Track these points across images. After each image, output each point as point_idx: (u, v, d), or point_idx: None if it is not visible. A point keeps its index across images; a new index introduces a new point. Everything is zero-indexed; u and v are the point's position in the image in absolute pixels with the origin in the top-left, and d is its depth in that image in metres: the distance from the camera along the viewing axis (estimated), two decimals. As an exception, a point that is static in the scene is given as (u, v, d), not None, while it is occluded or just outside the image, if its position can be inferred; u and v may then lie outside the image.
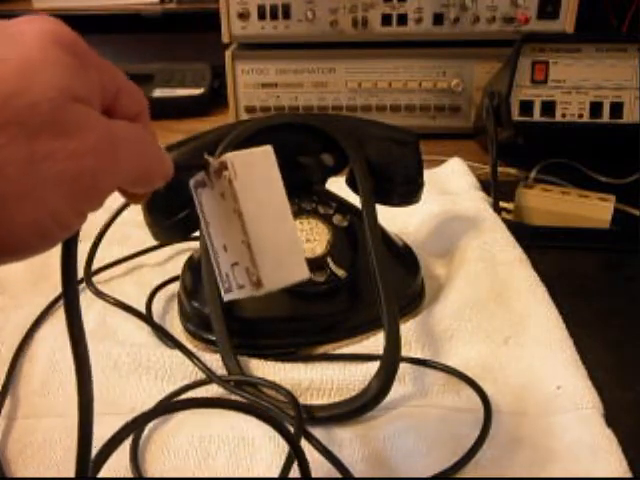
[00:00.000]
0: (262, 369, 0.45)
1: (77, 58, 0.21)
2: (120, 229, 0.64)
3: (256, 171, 0.27)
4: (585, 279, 0.58)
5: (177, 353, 0.47)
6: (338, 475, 0.37)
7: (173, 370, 0.45)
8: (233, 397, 0.43)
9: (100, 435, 0.39)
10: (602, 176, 0.78)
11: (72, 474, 0.38)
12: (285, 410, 0.40)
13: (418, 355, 0.47)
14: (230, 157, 0.27)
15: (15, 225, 0.19)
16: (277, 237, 0.27)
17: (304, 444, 0.39)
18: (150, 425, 0.41)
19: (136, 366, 0.46)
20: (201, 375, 0.45)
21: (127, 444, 0.39)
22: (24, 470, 0.38)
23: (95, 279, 0.57)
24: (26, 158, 0.19)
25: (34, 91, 0.19)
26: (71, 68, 0.20)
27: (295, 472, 0.38)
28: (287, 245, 0.28)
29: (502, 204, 0.70)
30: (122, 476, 0.38)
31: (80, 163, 0.20)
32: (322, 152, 0.53)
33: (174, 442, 0.39)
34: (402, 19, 0.89)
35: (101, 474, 0.38)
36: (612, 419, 0.40)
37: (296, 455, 0.33)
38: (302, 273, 0.28)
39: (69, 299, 0.25)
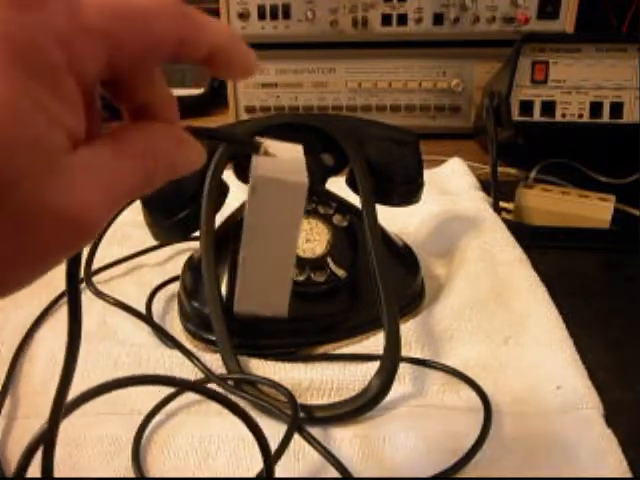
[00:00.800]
0: (262, 369, 0.45)
1: None
2: (120, 229, 0.64)
3: (280, 200, 0.25)
4: (585, 279, 0.58)
5: (177, 353, 0.47)
6: (338, 475, 0.37)
7: (173, 370, 0.45)
8: (232, 397, 0.43)
9: (100, 435, 0.40)
10: (602, 176, 0.78)
11: (72, 474, 0.38)
12: (283, 409, 0.40)
13: (418, 355, 0.47)
14: (260, 177, 0.24)
15: None
16: (270, 268, 0.26)
17: (304, 444, 0.39)
18: (150, 425, 0.41)
19: (136, 366, 0.46)
20: (201, 375, 0.45)
21: (128, 444, 0.39)
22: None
23: (95, 279, 0.57)
24: None
25: None
26: None
27: (295, 472, 0.38)
28: (277, 280, 0.26)
29: (502, 204, 0.70)
30: (122, 476, 0.38)
31: None
32: (322, 152, 0.53)
33: (174, 442, 0.40)
34: (402, 19, 0.89)
35: (101, 474, 0.38)
36: (612, 419, 0.40)
37: (263, 452, 0.32)
38: (280, 311, 0.27)
39: (72, 295, 0.24)
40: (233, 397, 0.43)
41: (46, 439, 0.27)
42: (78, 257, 0.24)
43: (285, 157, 0.25)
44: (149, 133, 0.21)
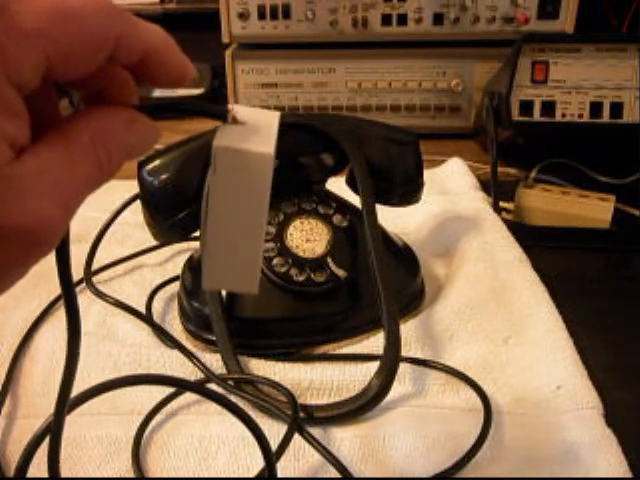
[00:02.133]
0: (262, 369, 0.45)
1: None
2: (120, 229, 0.64)
3: (243, 173, 0.23)
4: (585, 279, 0.58)
5: (177, 353, 0.47)
6: (338, 475, 0.37)
7: (173, 370, 0.45)
8: (232, 397, 0.43)
9: (100, 435, 0.40)
10: (602, 176, 0.78)
11: (72, 474, 0.38)
12: (283, 409, 0.40)
13: (418, 355, 0.47)
14: (220, 147, 0.22)
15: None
16: (237, 244, 0.24)
17: (304, 444, 0.39)
18: (150, 425, 0.41)
19: (136, 366, 0.46)
20: (201, 375, 0.45)
21: (128, 444, 0.39)
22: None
23: (95, 279, 0.57)
24: None
25: None
26: None
27: (295, 472, 0.38)
28: (245, 255, 0.24)
29: (502, 204, 0.70)
30: (122, 476, 0.38)
31: None
32: (322, 152, 0.53)
33: (174, 442, 0.40)
34: (402, 19, 0.89)
35: (101, 474, 0.38)
36: (612, 419, 0.40)
37: (264, 452, 0.32)
38: (250, 287, 0.25)
39: (68, 295, 0.24)
40: (233, 397, 0.43)
41: (51, 439, 0.27)
42: (67, 258, 0.23)
43: (254, 125, 0.23)
44: (95, 119, 0.20)
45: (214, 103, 1.08)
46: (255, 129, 0.23)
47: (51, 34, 0.17)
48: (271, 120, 0.24)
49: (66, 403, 0.25)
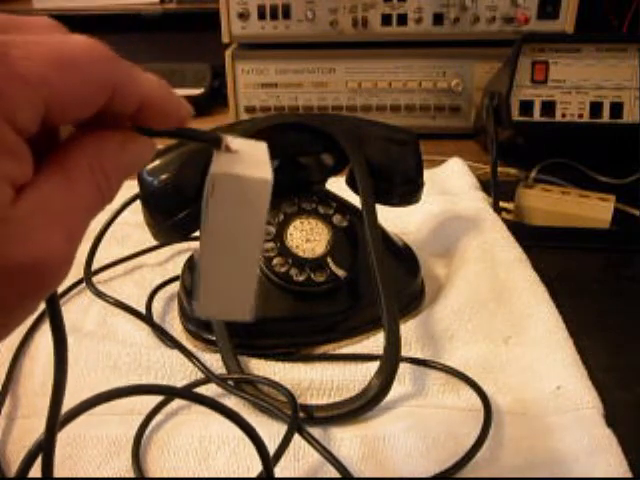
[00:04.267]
0: (262, 369, 0.45)
1: None
2: (120, 229, 0.64)
3: (242, 198, 0.23)
4: (585, 279, 0.58)
5: (177, 353, 0.47)
6: (337, 475, 0.37)
7: (173, 370, 0.45)
8: (232, 397, 0.43)
9: (100, 435, 0.40)
10: (602, 176, 0.78)
11: (72, 474, 0.38)
12: (283, 410, 0.40)
13: (418, 355, 0.47)
14: (219, 174, 0.22)
15: None
16: (233, 271, 0.24)
17: (304, 444, 0.39)
18: (150, 425, 0.41)
19: (136, 366, 0.46)
20: (201, 375, 0.45)
21: (128, 444, 0.39)
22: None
23: (95, 279, 0.57)
24: None
25: None
26: None
27: (295, 472, 0.38)
28: (239, 282, 0.24)
29: (502, 204, 0.70)
30: (122, 476, 0.38)
31: None
32: (322, 152, 0.53)
33: (174, 442, 0.40)
34: (402, 19, 0.89)
35: (101, 474, 0.38)
36: (612, 419, 0.40)
37: (261, 456, 0.32)
38: (244, 315, 0.25)
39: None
40: (233, 397, 0.43)
41: (44, 449, 0.27)
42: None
43: (248, 153, 0.24)
44: (92, 144, 0.20)
45: (214, 103, 1.08)
46: (249, 157, 0.24)
47: (51, 81, 0.17)
48: (261, 149, 0.25)
49: (58, 412, 0.25)
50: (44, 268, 0.18)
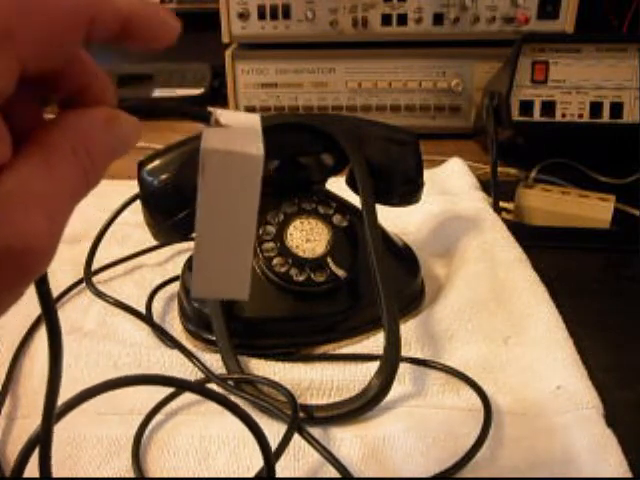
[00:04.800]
0: (262, 369, 0.45)
1: None
2: (120, 229, 0.64)
3: (233, 175, 0.22)
4: (585, 279, 0.58)
5: (177, 353, 0.47)
6: (337, 475, 0.37)
7: (173, 370, 0.45)
8: (232, 397, 0.43)
9: (100, 435, 0.40)
10: (602, 176, 0.78)
11: (72, 474, 0.38)
12: (283, 410, 0.40)
13: (418, 355, 0.47)
14: (208, 149, 0.22)
15: None
16: (228, 249, 0.24)
17: (304, 444, 0.39)
18: (150, 425, 0.41)
19: (136, 366, 0.46)
20: (201, 375, 0.45)
21: (128, 444, 0.39)
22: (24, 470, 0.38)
23: (95, 279, 0.57)
24: None
25: None
26: None
27: (295, 472, 0.38)
28: (236, 261, 0.24)
29: (502, 204, 0.70)
30: (122, 476, 0.38)
31: None
32: (322, 152, 0.53)
33: (174, 442, 0.39)
34: (402, 19, 0.89)
35: (101, 474, 0.38)
36: (612, 419, 0.40)
37: (263, 451, 0.32)
38: (241, 294, 0.25)
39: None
40: (233, 397, 0.43)
41: (41, 442, 0.27)
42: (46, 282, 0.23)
43: (239, 128, 0.23)
44: (73, 124, 0.19)
45: (214, 103, 1.08)
46: (240, 131, 0.23)
47: (18, 32, 0.16)
48: (253, 122, 0.24)
49: (54, 405, 0.25)
50: (26, 251, 0.17)
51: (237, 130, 0.23)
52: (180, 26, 0.21)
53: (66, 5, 0.17)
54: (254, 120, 0.24)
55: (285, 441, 0.38)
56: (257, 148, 0.22)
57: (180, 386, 0.38)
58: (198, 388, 0.37)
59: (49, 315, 0.24)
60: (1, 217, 0.17)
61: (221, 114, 0.23)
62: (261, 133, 0.23)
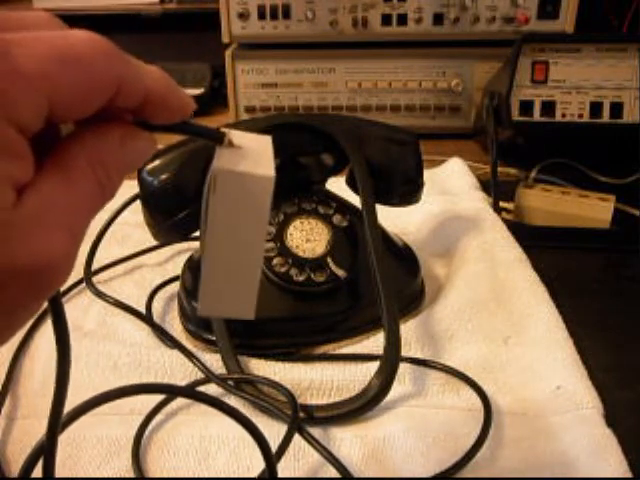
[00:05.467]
0: (262, 369, 0.45)
1: None
2: (120, 229, 0.64)
3: (243, 196, 0.23)
4: (585, 279, 0.58)
5: (177, 353, 0.47)
6: (338, 475, 0.37)
7: (173, 370, 0.45)
8: (232, 398, 0.43)
9: (100, 435, 0.40)
10: (602, 176, 0.78)
11: (72, 474, 0.38)
12: (283, 410, 0.40)
13: (418, 355, 0.47)
14: (222, 170, 0.22)
15: None
16: (235, 268, 0.24)
17: (304, 444, 0.39)
18: (150, 425, 0.41)
19: (136, 366, 0.46)
20: (201, 375, 0.45)
21: (128, 444, 0.39)
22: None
23: (95, 279, 0.57)
24: None
25: None
26: None
27: (295, 472, 0.38)
28: (242, 280, 0.24)
29: (502, 204, 0.70)
30: (122, 476, 0.38)
31: None
32: (322, 152, 0.53)
33: (174, 442, 0.40)
34: (402, 19, 0.89)
35: (101, 474, 0.38)
36: (612, 419, 0.40)
37: (265, 455, 0.32)
38: (247, 313, 0.25)
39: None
40: (233, 397, 0.43)
41: (45, 451, 0.27)
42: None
43: (251, 149, 0.23)
44: (90, 141, 0.20)
45: (214, 103, 1.08)
46: (252, 152, 0.23)
47: (53, 78, 0.17)
48: (265, 144, 0.24)
49: (60, 415, 0.25)
50: (47, 269, 0.18)
51: (249, 151, 0.23)
52: (195, 106, 0.22)
53: (99, 65, 0.18)
54: (266, 141, 0.24)
55: (286, 442, 0.38)
56: (268, 169, 0.23)
57: (185, 395, 0.38)
58: (194, 393, 0.37)
59: (59, 325, 0.24)
60: (24, 237, 0.17)
61: (234, 134, 0.23)
62: (272, 154, 0.24)
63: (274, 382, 0.43)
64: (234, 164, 0.22)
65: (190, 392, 0.39)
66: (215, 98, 1.09)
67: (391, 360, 0.42)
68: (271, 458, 0.32)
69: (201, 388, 0.44)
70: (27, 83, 0.17)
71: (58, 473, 0.37)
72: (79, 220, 0.19)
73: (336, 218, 0.51)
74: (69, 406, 0.42)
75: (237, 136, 0.24)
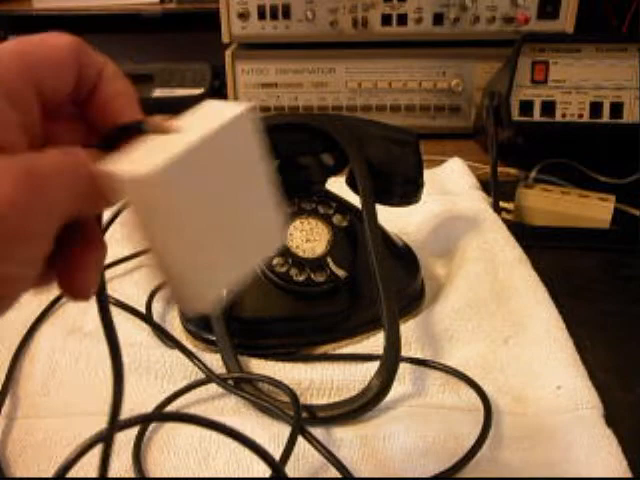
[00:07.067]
0: (262, 369, 0.45)
1: None
2: (120, 229, 0.64)
3: (147, 196, 0.20)
4: (585, 279, 0.58)
5: (177, 353, 0.47)
6: (338, 475, 0.37)
7: (173, 370, 0.45)
8: (232, 397, 0.43)
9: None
10: (602, 176, 0.78)
11: (72, 474, 0.38)
12: (284, 410, 0.40)
13: (418, 355, 0.47)
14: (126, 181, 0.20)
15: None
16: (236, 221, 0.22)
17: (305, 444, 0.39)
18: (150, 425, 0.41)
19: (136, 366, 0.46)
20: (201, 375, 0.45)
21: (129, 444, 0.39)
22: (24, 470, 0.38)
23: (95, 279, 0.57)
24: None
25: None
26: None
27: (296, 472, 0.38)
28: (256, 217, 0.22)
29: (502, 204, 0.70)
30: (122, 476, 0.38)
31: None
32: (322, 152, 0.53)
33: (174, 442, 0.40)
34: (402, 19, 0.89)
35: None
36: (612, 419, 0.40)
37: (273, 470, 0.32)
38: (276, 240, 0.23)
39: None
40: (233, 397, 0.43)
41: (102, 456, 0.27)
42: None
43: (187, 128, 0.21)
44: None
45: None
46: (164, 141, 0.20)
47: (35, 73, 0.21)
48: (220, 118, 0.21)
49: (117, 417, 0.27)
50: None
51: (167, 137, 0.21)
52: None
53: (62, 53, 0.22)
54: (229, 113, 0.21)
55: (290, 444, 0.38)
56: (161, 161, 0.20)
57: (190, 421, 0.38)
58: (202, 419, 0.36)
59: (110, 333, 0.26)
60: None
61: (202, 107, 0.22)
62: (208, 133, 0.21)
63: (276, 381, 0.43)
64: (120, 163, 0.20)
65: (200, 419, 0.38)
66: (215, 98, 1.09)
67: (391, 360, 0.42)
68: (280, 471, 0.32)
69: (201, 388, 0.44)
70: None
71: (58, 473, 0.37)
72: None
73: (336, 218, 0.51)
74: (66, 406, 0.42)
75: (209, 107, 0.22)
